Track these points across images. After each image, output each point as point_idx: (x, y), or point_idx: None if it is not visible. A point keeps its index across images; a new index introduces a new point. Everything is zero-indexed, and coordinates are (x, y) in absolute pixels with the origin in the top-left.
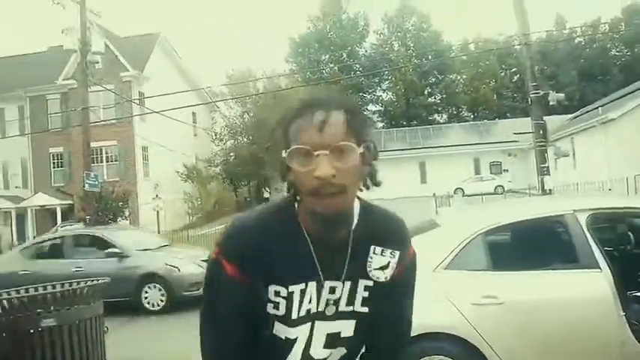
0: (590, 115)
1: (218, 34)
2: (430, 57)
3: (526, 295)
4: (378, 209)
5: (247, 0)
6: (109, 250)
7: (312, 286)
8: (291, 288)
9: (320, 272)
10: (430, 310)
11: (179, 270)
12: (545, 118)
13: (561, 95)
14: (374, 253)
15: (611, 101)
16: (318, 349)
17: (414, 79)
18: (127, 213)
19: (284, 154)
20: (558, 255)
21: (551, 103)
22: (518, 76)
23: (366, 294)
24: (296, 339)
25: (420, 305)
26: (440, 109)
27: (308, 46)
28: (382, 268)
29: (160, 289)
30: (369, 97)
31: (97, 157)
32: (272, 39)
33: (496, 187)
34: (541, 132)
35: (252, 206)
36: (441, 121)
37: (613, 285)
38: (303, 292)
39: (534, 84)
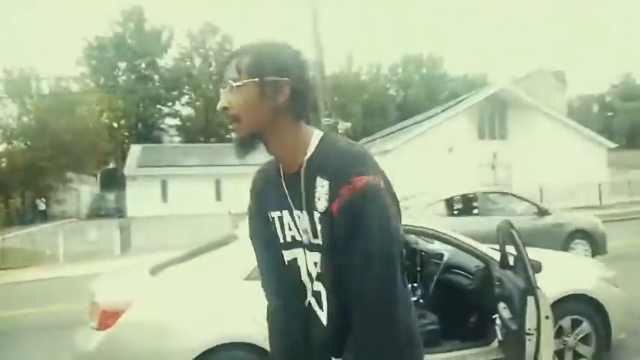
0: (370, 145)
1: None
2: None
3: None
4: (336, 140)
5: None
6: None
7: (286, 214)
8: (272, 214)
9: (290, 202)
10: (231, 320)
11: None
12: None
13: (348, 124)
14: (318, 183)
15: (388, 134)
16: (314, 273)
17: (214, 97)
18: None
19: None
20: None
21: (340, 131)
22: None
23: (320, 226)
24: (295, 261)
25: (222, 316)
26: None
27: (104, 50)
28: (319, 199)
29: None
30: (167, 110)
31: None
32: (62, 38)
33: None
34: None
35: (26, 220)
36: None
37: None
38: (280, 220)
39: (327, 112)
